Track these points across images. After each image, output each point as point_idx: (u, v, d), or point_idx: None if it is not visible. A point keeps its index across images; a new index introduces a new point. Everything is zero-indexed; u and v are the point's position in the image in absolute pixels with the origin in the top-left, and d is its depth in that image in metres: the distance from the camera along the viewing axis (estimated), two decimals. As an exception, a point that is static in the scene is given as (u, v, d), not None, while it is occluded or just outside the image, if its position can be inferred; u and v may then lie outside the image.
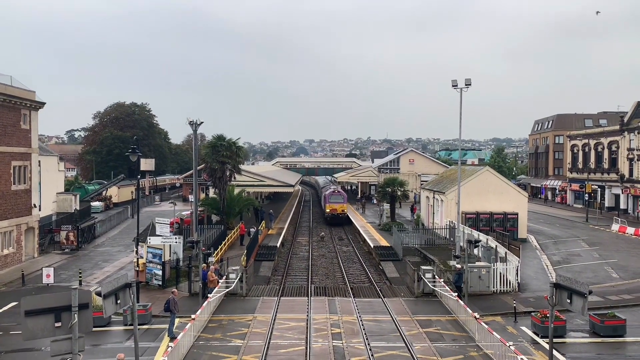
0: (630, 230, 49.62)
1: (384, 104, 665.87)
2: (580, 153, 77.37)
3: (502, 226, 44.42)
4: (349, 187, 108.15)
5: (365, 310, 25.78)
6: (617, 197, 67.93)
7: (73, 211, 52.57)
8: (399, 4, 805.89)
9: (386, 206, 59.09)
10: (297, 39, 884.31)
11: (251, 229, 44.76)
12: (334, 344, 20.88)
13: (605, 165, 70.16)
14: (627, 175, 64.94)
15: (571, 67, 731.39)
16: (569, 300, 14.45)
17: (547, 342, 17.53)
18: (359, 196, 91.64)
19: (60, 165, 57.29)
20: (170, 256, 31.87)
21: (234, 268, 29.33)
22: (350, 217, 63.13)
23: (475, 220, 45.03)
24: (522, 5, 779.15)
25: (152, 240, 30.31)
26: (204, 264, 28.25)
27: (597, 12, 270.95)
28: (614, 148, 68.59)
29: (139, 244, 30.97)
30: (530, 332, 22.51)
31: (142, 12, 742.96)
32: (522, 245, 38.51)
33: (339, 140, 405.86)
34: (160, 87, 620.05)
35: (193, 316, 21.41)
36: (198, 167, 43.17)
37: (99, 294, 12.99)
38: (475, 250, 34.94)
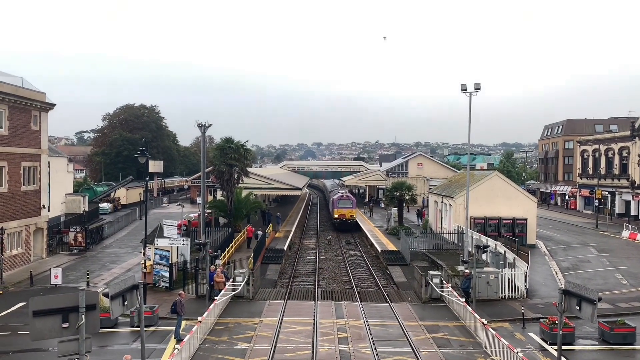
0: (641, 237, 49.13)
1: (392, 108, 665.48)
2: (591, 158, 76.83)
3: (510, 231, 44.17)
4: (356, 191, 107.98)
5: (372, 315, 25.68)
6: (627, 203, 67.33)
7: (81, 212, 52.88)
8: (408, 6, 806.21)
9: (394, 210, 58.92)
10: (305, 40, 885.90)
11: (258, 232, 44.75)
12: (340, 348, 20.81)
13: (616, 171, 69.63)
14: (637, 182, 64.37)
15: (582, 72, 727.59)
16: (578, 307, 14.30)
17: (555, 349, 17.38)
18: (367, 200, 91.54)
19: (69, 167, 57.72)
20: (177, 258, 31.93)
21: (240, 271, 29.32)
22: (359, 222, 61.31)
23: (483, 225, 44.78)
24: (531, 7, 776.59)
25: (160, 242, 30.38)
26: (212, 266, 28.28)
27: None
28: (624, 154, 68.05)
29: (147, 245, 31.05)
30: (538, 339, 22.33)
31: (151, 13, 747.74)
32: (531, 251, 38.26)
33: (347, 143, 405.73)
34: (170, 90, 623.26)
35: (200, 318, 21.41)
36: (206, 170, 43.30)
37: (106, 295, 13.03)
38: (484, 256, 34.74)
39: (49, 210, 41.71)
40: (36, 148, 38.51)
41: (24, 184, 37.14)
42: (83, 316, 11.32)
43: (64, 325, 11.27)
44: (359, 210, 68.49)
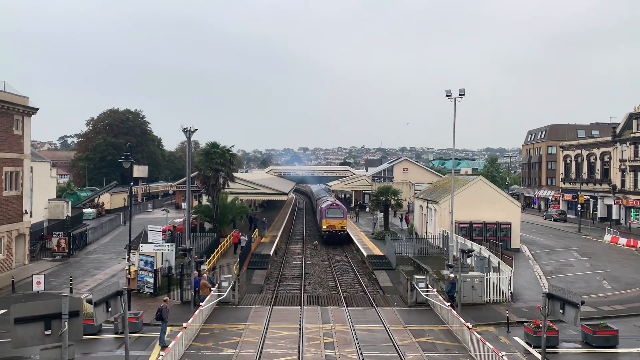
0: (623, 240, 49.87)
1: (378, 113, 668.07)
2: (573, 163, 77.86)
3: (495, 236, 44.54)
4: (342, 196, 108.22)
5: (358, 320, 25.70)
6: (609, 207, 68.31)
7: (65, 218, 52.22)
8: (394, 13, 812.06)
9: (380, 215, 59.08)
10: (292, 47, 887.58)
11: (242, 237, 44.46)
12: (326, 353, 20.79)
13: (598, 176, 70.64)
14: (619, 186, 65.37)
15: (564, 78, 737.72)
16: (561, 311, 14.46)
17: (539, 353, 17.55)
18: (353, 205, 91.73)
19: (52, 172, 56.99)
20: (162, 264, 31.68)
21: (226, 276, 29.20)
22: (350, 234, 55.89)
23: (468, 229, 45.13)
24: (517, 16, 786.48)
25: (144, 248, 30.14)
26: (196, 272, 28.12)
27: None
28: (606, 159, 69.09)
29: (131, 251, 30.78)
30: (522, 343, 22.51)
31: (138, 19, 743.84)
32: (515, 255, 38.56)
33: (333, 148, 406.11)
34: (155, 94, 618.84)
35: (185, 325, 21.26)
36: (191, 175, 43.04)
37: (89, 301, 12.89)
38: (469, 260, 34.93)
39: (31, 216, 41.17)
40: (18, 153, 38.02)
41: (5, 189, 36.63)
42: (66, 323, 11.19)
43: (47, 332, 11.13)
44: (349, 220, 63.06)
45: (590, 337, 21.98)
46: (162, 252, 31.17)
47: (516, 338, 23.11)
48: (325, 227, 55.88)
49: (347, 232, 56.06)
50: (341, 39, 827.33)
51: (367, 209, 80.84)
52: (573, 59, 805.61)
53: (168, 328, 22.44)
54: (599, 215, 69.72)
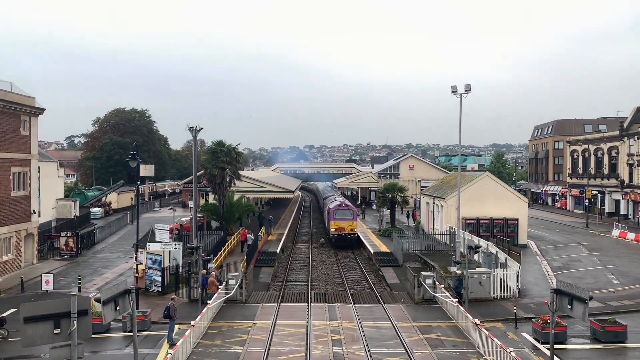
0: (631, 235, 49.55)
1: (383, 110, 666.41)
2: (580, 158, 77.42)
3: (502, 232, 44.40)
4: (348, 193, 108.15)
5: (366, 317, 25.71)
6: (617, 202, 67.91)
7: (72, 217, 52.50)
8: (399, 8, 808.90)
9: (386, 212, 58.98)
10: (297, 45, 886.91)
11: (248, 235, 44.53)
12: (334, 350, 20.81)
13: (605, 171, 70.22)
14: (627, 181, 64.94)
15: (571, 73, 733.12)
16: (569, 306, 14.39)
17: (548, 349, 17.49)
18: (359, 202, 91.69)
19: (59, 172, 57.34)
20: (169, 262, 31.82)
21: (233, 274, 29.29)
22: (361, 237, 51.67)
23: (475, 225, 44.99)
24: (523, 11, 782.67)
25: (152, 247, 30.27)
26: (204, 270, 28.22)
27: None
28: (613, 153, 68.66)
29: (139, 250, 30.92)
30: (531, 339, 22.45)
31: (144, 17, 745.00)
32: (523, 251, 38.46)
33: (339, 146, 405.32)
34: (160, 93, 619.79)
35: (192, 322, 21.36)
36: (198, 173, 43.15)
37: (98, 300, 12.94)
38: (476, 256, 34.89)
39: (39, 216, 41.42)
40: (26, 153, 38.24)
41: (13, 190, 36.86)
42: (75, 322, 11.26)
43: (56, 331, 11.20)
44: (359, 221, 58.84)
45: (599, 333, 21.90)
46: (170, 251, 31.30)
47: (524, 334, 23.06)
48: (333, 229, 51.57)
49: (358, 235, 52.03)
50: (345, 37, 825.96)
51: (374, 206, 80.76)
52: (580, 53, 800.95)
53: (176, 326, 22.54)
54: (606, 210, 69.31)
